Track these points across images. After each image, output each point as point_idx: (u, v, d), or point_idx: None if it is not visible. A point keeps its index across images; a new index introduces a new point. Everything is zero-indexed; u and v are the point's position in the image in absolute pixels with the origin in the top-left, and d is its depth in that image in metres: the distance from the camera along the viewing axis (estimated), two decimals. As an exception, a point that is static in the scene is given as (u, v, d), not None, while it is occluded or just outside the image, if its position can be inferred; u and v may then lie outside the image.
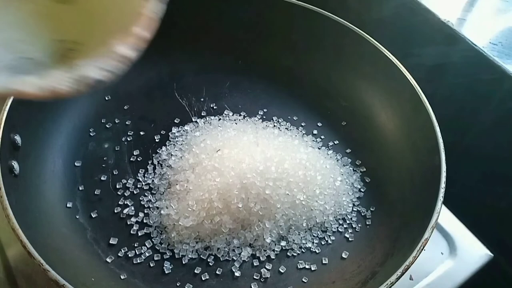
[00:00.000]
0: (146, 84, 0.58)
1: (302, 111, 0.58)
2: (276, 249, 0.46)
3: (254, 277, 0.44)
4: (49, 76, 0.27)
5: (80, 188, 0.48)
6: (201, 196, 0.46)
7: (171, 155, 0.51)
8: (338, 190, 0.49)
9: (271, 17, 0.59)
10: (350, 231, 0.48)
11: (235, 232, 0.45)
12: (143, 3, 0.29)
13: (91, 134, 0.53)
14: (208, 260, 0.44)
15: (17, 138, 0.43)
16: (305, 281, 0.44)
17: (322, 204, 0.48)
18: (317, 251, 0.46)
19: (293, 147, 0.52)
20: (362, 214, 0.50)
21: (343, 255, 0.46)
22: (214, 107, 0.57)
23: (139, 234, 0.45)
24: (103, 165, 0.50)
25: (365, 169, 0.53)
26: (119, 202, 0.47)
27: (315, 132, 0.56)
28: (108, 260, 0.43)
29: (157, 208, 0.47)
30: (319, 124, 0.57)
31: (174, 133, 0.54)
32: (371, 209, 0.50)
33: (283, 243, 0.46)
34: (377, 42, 0.54)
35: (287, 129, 0.56)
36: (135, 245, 0.45)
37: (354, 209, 0.50)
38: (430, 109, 0.48)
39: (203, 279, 0.43)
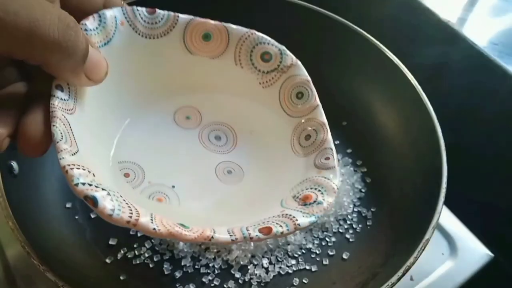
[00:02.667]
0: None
1: (302, 111, 0.58)
2: (276, 249, 0.46)
3: (255, 277, 0.44)
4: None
5: (80, 188, 0.48)
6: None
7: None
8: (338, 190, 0.49)
9: (271, 17, 0.59)
10: (350, 231, 0.48)
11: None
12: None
13: (90, 134, 0.53)
14: (208, 261, 0.44)
15: (16, 138, 0.43)
16: (305, 282, 0.44)
17: (322, 205, 0.47)
18: (317, 252, 0.46)
19: (294, 147, 0.51)
20: (363, 214, 0.49)
21: (344, 256, 0.46)
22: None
23: (139, 234, 0.45)
24: (103, 165, 0.50)
25: (366, 170, 0.53)
26: (119, 203, 0.47)
27: (315, 132, 0.56)
28: (108, 260, 0.43)
29: (157, 208, 0.47)
30: (320, 124, 0.57)
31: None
32: (372, 209, 0.50)
33: (283, 244, 0.46)
34: (377, 41, 0.54)
35: (287, 129, 0.56)
36: (135, 245, 0.44)
37: (354, 209, 0.50)
38: (431, 109, 0.48)
39: (203, 280, 0.43)
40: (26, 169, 0.43)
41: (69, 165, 0.23)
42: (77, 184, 0.23)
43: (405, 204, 0.47)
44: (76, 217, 0.46)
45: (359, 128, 0.56)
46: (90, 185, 0.23)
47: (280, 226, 0.26)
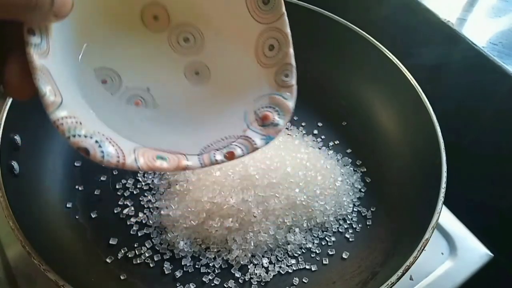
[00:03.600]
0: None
1: (302, 111, 0.58)
2: (276, 249, 0.46)
3: (255, 277, 0.44)
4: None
5: (80, 188, 0.48)
6: (201, 196, 0.46)
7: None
8: (338, 190, 0.49)
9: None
10: (350, 231, 0.48)
11: (235, 232, 0.45)
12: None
13: (91, 134, 0.53)
14: (208, 260, 0.44)
15: (17, 138, 0.43)
16: (305, 281, 0.44)
17: (322, 204, 0.48)
18: (317, 251, 0.46)
19: (294, 147, 0.51)
20: (363, 214, 0.50)
21: (344, 256, 0.46)
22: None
23: (139, 234, 0.45)
24: (103, 165, 0.50)
25: (365, 169, 0.53)
26: (119, 202, 0.47)
27: (315, 132, 0.56)
28: (108, 260, 0.43)
29: (157, 208, 0.47)
30: (320, 124, 0.57)
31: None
32: (371, 209, 0.50)
33: (283, 243, 0.46)
34: (377, 42, 0.54)
35: (287, 129, 0.56)
36: (135, 245, 0.44)
37: (354, 209, 0.50)
38: (430, 109, 0.48)
39: (203, 279, 0.43)
40: (26, 169, 0.43)
41: (58, 119, 0.25)
42: (69, 137, 0.25)
43: (404, 203, 0.48)
44: (77, 217, 0.46)
45: (359, 128, 0.56)
46: (80, 136, 0.26)
47: (241, 149, 0.31)
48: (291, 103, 0.32)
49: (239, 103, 0.34)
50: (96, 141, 0.27)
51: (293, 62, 0.34)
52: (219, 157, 0.30)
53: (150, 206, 0.47)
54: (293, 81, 0.33)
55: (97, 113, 0.30)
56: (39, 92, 0.25)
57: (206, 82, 0.36)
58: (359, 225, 0.49)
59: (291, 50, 0.34)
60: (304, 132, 0.56)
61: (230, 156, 0.31)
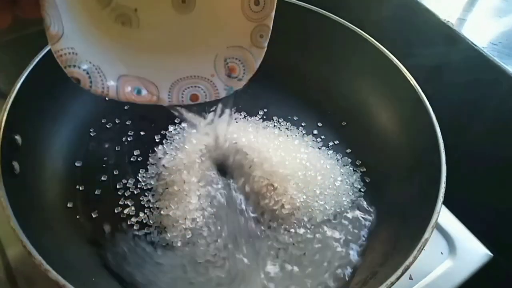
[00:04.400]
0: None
1: (302, 111, 0.58)
2: (276, 249, 0.46)
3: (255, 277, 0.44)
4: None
5: (81, 188, 0.48)
6: (200, 197, 0.46)
7: (166, 154, 0.51)
8: (338, 190, 0.49)
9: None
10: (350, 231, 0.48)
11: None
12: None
13: (91, 134, 0.53)
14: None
15: (18, 138, 0.43)
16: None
17: (322, 204, 0.48)
18: (317, 251, 0.46)
19: (293, 147, 0.52)
20: (362, 214, 0.49)
21: (343, 255, 0.46)
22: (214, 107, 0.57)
23: (139, 234, 0.45)
24: (104, 165, 0.50)
25: (365, 169, 0.53)
26: (120, 202, 0.47)
27: (315, 132, 0.56)
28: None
29: (157, 208, 0.47)
30: (319, 124, 0.57)
31: (171, 131, 0.54)
32: (371, 209, 0.50)
33: (283, 243, 0.46)
34: (377, 42, 0.54)
35: (287, 129, 0.56)
36: (135, 245, 0.45)
37: (354, 209, 0.50)
38: (430, 109, 0.48)
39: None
40: (27, 169, 0.43)
41: (58, 51, 0.30)
42: (65, 67, 0.30)
43: (404, 203, 0.48)
44: (77, 217, 0.46)
45: (359, 128, 0.56)
46: (75, 66, 0.30)
47: (205, 94, 0.35)
48: (256, 63, 0.35)
49: (214, 43, 0.36)
50: (87, 72, 0.31)
51: (271, 25, 0.35)
52: (185, 98, 0.35)
53: (151, 206, 0.47)
54: (265, 44, 0.35)
55: (88, 31, 0.33)
56: (44, 23, 0.28)
57: (189, 13, 0.37)
58: (359, 225, 0.49)
59: (273, 14, 0.35)
60: (304, 132, 0.56)
61: (195, 99, 0.35)
